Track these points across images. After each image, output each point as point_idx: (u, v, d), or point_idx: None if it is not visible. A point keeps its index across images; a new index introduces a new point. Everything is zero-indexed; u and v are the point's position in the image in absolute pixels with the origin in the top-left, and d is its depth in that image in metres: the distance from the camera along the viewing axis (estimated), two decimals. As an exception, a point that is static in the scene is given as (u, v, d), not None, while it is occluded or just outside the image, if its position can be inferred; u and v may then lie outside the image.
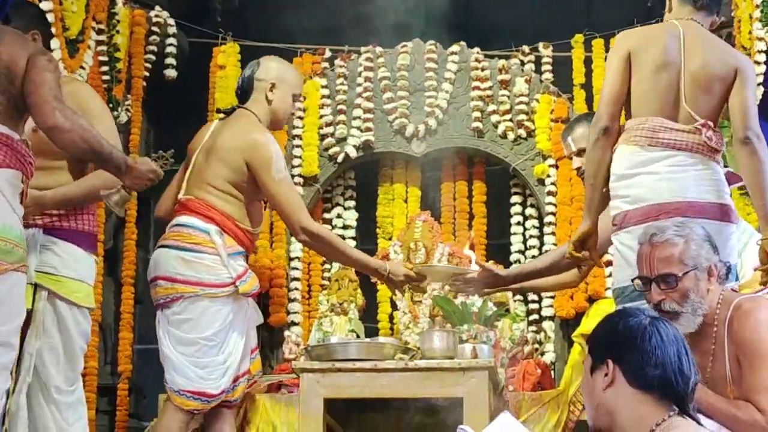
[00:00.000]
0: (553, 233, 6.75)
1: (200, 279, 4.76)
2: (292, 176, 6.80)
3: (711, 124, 4.25)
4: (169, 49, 7.02)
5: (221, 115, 5.25)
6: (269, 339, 6.60)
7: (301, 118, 7.01)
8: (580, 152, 5.16)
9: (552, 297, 6.64)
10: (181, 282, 4.75)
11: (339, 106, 7.03)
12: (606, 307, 5.12)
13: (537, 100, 6.91)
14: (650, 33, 4.45)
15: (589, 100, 7.02)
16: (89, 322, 4.65)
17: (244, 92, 5.23)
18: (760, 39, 5.57)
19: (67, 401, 4.47)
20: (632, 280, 3.77)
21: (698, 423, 2.77)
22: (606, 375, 2.77)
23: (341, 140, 6.99)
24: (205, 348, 4.77)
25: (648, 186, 4.16)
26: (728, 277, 3.81)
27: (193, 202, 4.92)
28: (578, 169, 5.25)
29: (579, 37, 7.19)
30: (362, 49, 7.16)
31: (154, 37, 6.94)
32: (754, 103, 4.39)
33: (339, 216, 7.16)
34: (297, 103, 5.50)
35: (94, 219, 4.76)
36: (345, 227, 7.14)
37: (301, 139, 7.00)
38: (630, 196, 4.19)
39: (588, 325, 5.71)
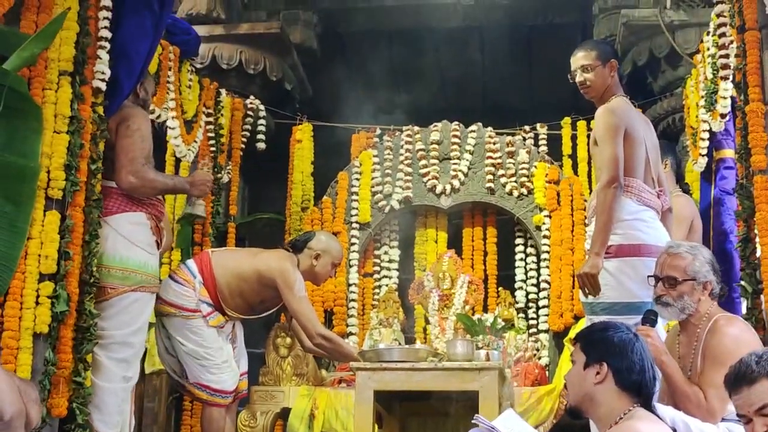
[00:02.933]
0: (547, 267, 6.82)
1: (179, 304, 4.74)
2: (350, 223, 6.90)
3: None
4: (260, 128, 7.18)
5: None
6: (333, 346, 6.57)
7: (357, 179, 7.11)
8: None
9: (547, 315, 6.64)
10: (167, 304, 4.74)
11: (386, 170, 7.13)
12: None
13: (535, 167, 6.95)
14: (633, 113, 4.40)
15: (575, 167, 7.07)
16: None
17: (297, 248, 5.10)
18: (704, 121, 5.58)
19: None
20: (648, 277, 3.78)
21: (656, 414, 2.80)
22: (598, 373, 2.82)
23: (387, 196, 7.10)
24: (200, 352, 4.71)
25: (641, 230, 4.18)
26: (721, 296, 3.81)
27: (206, 255, 4.92)
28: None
29: (567, 120, 7.26)
30: (404, 128, 7.27)
31: (248, 118, 7.11)
32: None
33: (386, 253, 7.25)
34: (335, 269, 5.24)
35: None
36: (390, 261, 7.23)
37: (357, 194, 7.08)
38: (626, 234, 4.17)
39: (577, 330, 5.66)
